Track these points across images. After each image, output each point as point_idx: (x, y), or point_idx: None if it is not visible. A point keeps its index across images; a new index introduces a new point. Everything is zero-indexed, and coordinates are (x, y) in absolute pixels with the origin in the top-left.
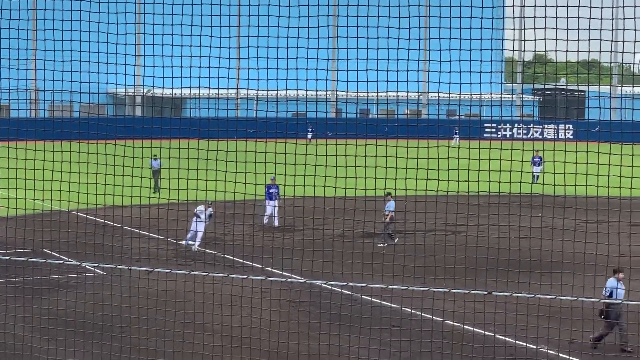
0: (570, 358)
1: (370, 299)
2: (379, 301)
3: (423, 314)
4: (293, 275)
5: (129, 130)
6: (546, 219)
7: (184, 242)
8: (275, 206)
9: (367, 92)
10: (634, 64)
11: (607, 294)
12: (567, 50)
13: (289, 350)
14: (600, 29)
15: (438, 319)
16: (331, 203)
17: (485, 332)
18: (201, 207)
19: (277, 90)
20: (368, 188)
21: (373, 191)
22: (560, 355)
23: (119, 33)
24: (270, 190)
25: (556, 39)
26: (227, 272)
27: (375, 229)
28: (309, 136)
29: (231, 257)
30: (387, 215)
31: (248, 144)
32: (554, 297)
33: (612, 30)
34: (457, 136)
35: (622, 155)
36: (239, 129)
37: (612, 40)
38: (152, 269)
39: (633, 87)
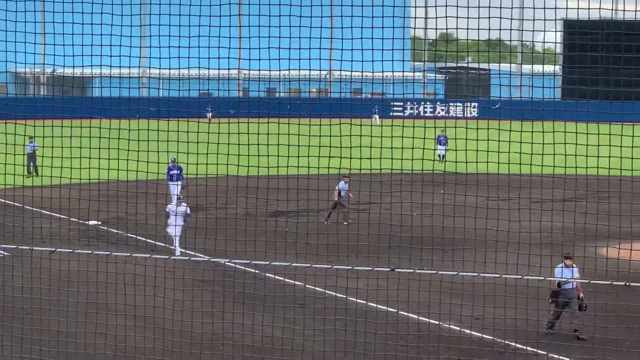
0: (474, 333)
1: (274, 277)
2: (283, 279)
3: (327, 292)
4: (197, 254)
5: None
6: (450, 197)
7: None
8: (177, 185)
9: (270, 70)
10: (535, 42)
11: (557, 280)
12: (473, 29)
13: (194, 329)
14: (506, 8)
15: (342, 296)
16: (237, 182)
17: (389, 309)
18: (171, 206)
19: (180, 69)
20: (271, 166)
21: (276, 170)
22: (464, 330)
23: (22, 10)
24: (171, 172)
25: (457, 18)
26: (131, 252)
27: (279, 208)
28: (209, 115)
29: (134, 237)
30: (335, 193)
31: (151, 123)
32: (455, 273)
33: (512, 8)
34: (377, 115)
35: (523, 132)
36: (141, 108)
37: (511, 19)
38: (54, 249)
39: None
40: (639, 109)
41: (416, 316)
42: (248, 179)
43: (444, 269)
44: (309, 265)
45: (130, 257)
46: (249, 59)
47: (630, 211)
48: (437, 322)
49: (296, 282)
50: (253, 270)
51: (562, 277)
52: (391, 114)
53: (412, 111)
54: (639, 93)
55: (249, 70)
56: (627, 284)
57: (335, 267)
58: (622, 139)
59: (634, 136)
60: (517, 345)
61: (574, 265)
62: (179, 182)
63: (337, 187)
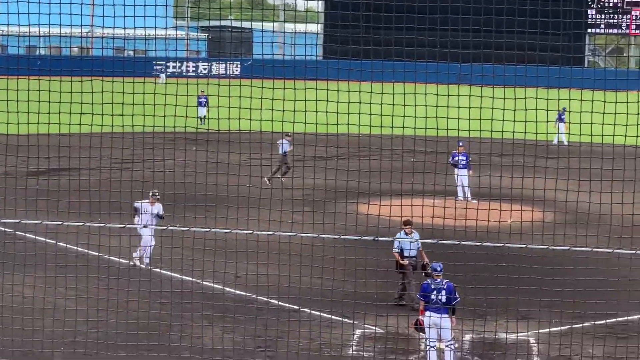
0: (236, 292)
1: (34, 237)
2: (44, 239)
3: (90, 252)
4: None
5: None
6: (212, 155)
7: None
8: None
9: (29, 26)
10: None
11: (399, 249)
12: None
13: None
14: None
15: (103, 255)
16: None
17: (153, 268)
18: (145, 205)
19: None
20: (31, 123)
21: (36, 127)
22: (226, 289)
23: None
24: None
25: None
26: None
27: (40, 167)
28: None
29: None
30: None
31: None
32: (208, 229)
33: None
34: (164, 75)
35: (285, 90)
36: None
37: None
38: None
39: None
40: (400, 67)
41: (179, 275)
42: (8, 137)
43: (196, 225)
44: (60, 223)
45: None
46: (7, 13)
47: (380, 168)
48: (200, 281)
49: (57, 242)
50: (11, 230)
51: (403, 246)
52: (153, 72)
53: (174, 70)
54: (399, 52)
55: (7, 25)
56: (376, 238)
57: (87, 224)
58: (382, 97)
59: (394, 94)
60: (279, 302)
61: (414, 230)
62: None
63: (279, 142)
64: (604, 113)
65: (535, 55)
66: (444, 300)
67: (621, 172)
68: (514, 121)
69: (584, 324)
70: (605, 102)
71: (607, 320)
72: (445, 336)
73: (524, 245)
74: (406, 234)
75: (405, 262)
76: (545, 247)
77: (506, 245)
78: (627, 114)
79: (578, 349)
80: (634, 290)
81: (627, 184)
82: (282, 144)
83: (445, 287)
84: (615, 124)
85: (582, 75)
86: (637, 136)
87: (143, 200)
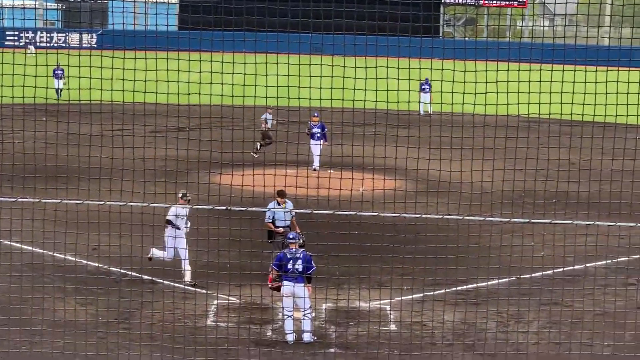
0: (90, 263)
1: None
2: None
3: None
4: None
5: None
6: (64, 126)
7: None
8: None
9: None
10: None
11: (270, 219)
12: None
13: None
14: None
15: None
16: None
17: (3, 241)
18: (179, 209)
19: None
20: None
21: None
22: (82, 261)
23: None
24: None
25: None
26: None
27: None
28: None
29: None
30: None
31: None
32: (59, 201)
33: None
34: (33, 46)
35: (147, 60)
36: None
37: None
38: None
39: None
40: (253, 37)
41: (30, 247)
42: None
43: (47, 197)
44: None
45: None
46: None
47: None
48: (52, 253)
49: None
50: None
51: (275, 216)
52: (5, 43)
53: (27, 41)
54: (252, 22)
55: None
56: (228, 208)
57: None
58: (233, 66)
59: (245, 64)
60: (135, 274)
61: (287, 200)
62: None
63: (262, 117)
64: (463, 82)
65: (386, 26)
66: (300, 269)
67: (477, 141)
68: (365, 90)
69: (437, 291)
70: (465, 71)
71: (459, 287)
72: (302, 305)
73: (376, 214)
74: (279, 204)
75: (281, 230)
76: (397, 214)
77: (358, 213)
78: (486, 82)
79: (432, 315)
80: (483, 257)
81: (483, 152)
82: (267, 119)
83: (301, 256)
84: (475, 93)
85: (441, 45)
86: (484, 105)
87: (177, 205)
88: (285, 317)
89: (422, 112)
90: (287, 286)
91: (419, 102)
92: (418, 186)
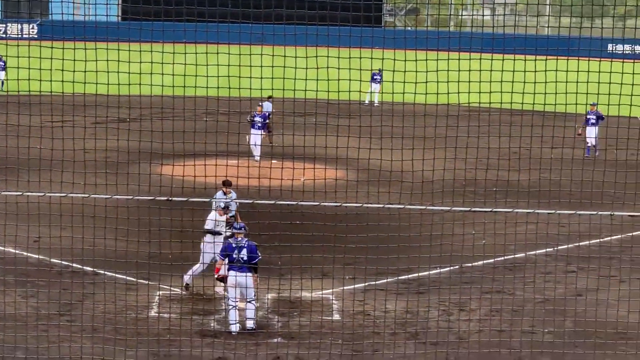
0: (31, 255)
1: None
2: None
3: None
4: None
5: None
6: (11, 118)
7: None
8: None
9: None
10: None
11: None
12: None
13: None
14: None
15: None
16: None
17: None
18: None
19: None
20: None
21: None
22: (22, 253)
23: None
24: None
25: None
26: None
27: None
28: None
29: None
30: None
31: None
32: (21, 193)
33: None
34: None
35: (87, 50)
36: None
37: None
38: None
39: None
40: (228, 28)
41: None
42: None
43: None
44: None
45: None
46: None
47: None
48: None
49: None
50: None
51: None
52: None
53: None
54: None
55: None
56: (169, 198)
57: None
58: (174, 56)
59: (185, 54)
60: (77, 265)
61: (232, 191)
62: None
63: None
64: (404, 72)
65: (328, 15)
66: (245, 258)
67: (418, 130)
68: (306, 80)
69: (380, 281)
70: (405, 60)
71: (402, 277)
72: (247, 294)
73: (318, 203)
74: (224, 193)
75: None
76: (339, 204)
77: (299, 203)
78: (427, 71)
79: (375, 304)
80: (425, 246)
81: (424, 141)
82: (268, 108)
83: (246, 245)
84: (416, 82)
85: (382, 34)
86: (424, 94)
87: (217, 220)
88: (230, 307)
89: (367, 102)
90: (231, 276)
91: (369, 92)
92: (359, 176)
